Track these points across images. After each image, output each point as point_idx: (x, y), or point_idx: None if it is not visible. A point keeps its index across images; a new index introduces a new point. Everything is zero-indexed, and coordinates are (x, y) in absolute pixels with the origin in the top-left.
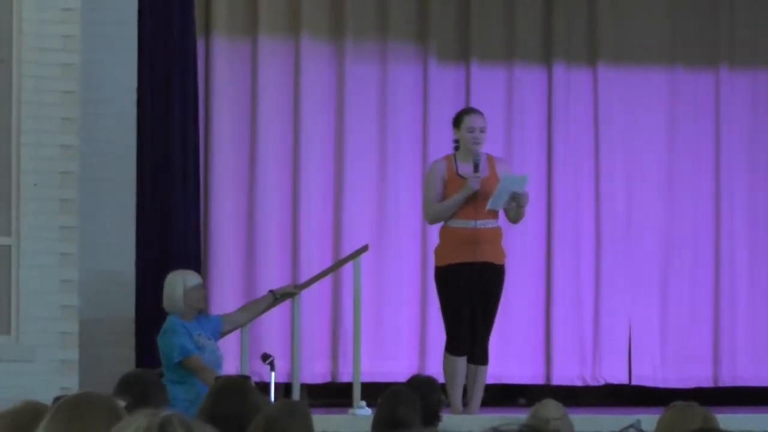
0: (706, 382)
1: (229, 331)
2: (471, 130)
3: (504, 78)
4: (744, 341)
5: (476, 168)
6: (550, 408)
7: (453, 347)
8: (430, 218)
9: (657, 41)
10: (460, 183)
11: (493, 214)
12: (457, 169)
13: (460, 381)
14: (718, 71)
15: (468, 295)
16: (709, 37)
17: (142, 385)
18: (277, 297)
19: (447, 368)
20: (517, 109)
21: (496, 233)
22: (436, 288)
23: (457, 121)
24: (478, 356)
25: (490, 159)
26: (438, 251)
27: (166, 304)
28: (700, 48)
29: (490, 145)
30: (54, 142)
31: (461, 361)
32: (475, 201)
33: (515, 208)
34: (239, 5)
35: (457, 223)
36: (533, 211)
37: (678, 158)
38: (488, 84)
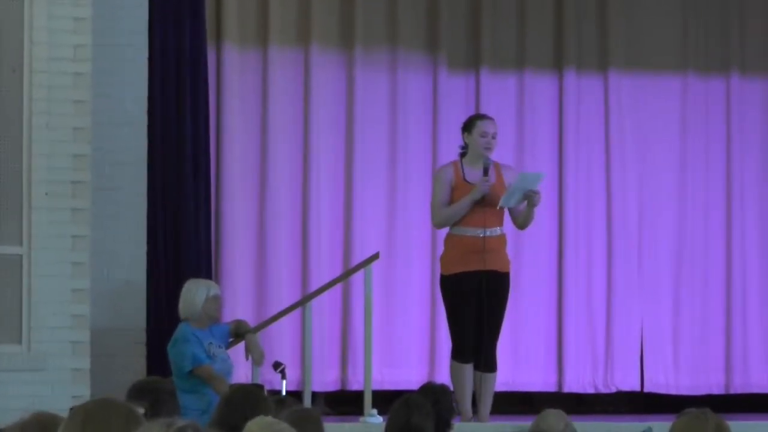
0: (718, 389)
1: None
2: (484, 135)
3: (514, 86)
4: (756, 348)
5: (486, 172)
6: (551, 419)
7: (458, 354)
8: (438, 222)
9: (668, 47)
10: (466, 189)
11: (500, 221)
12: (464, 174)
13: (468, 388)
14: (729, 77)
15: (474, 303)
16: (721, 43)
17: (155, 393)
18: (238, 333)
19: (454, 375)
20: (528, 117)
21: (501, 241)
22: (442, 296)
23: (469, 126)
24: (486, 364)
25: (497, 166)
26: (444, 259)
27: (184, 309)
28: (712, 54)
29: (502, 153)
30: (66, 151)
31: (468, 368)
32: (483, 209)
33: (526, 209)
34: (250, 15)
35: (465, 231)
36: (545, 217)
37: (689, 164)
38: (499, 92)
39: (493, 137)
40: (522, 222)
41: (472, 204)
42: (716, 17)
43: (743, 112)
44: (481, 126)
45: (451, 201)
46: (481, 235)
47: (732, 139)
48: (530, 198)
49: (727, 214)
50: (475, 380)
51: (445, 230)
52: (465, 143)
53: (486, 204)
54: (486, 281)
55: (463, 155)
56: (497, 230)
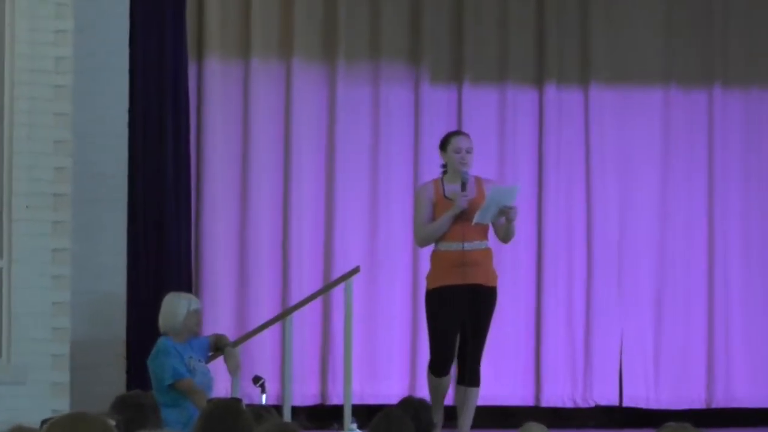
0: (699, 403)
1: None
2: (458, 151)
3: (496, 99)
4: (738, 362)
5: (463, 187)
6: (533, 431)
7: (434, 368)
8: (420, 240)
9: (650, 61)
10: (447, 205)
11: (482, 234)
12: (444, 191)
13: (442, 398)
14: (712, 90)
15: (456, 317)
16: (703, 56)
17: (138, 407)
18: (218, 347)
19: (429, 385)
20: (509, 130)
21: (486, 254)
22: (425, 310)
23: (444, 144)
24: (468, 378)
25: (479, 181)
26: (429, 276)
27: (164, 323)
28: (694, 67)
29: (483, 166)
30: (47, 164)
31: (441, 381)
32: (462, 222)
33: (504, 224)
34: (231, 27)
35: (446, 246)
36: (524, 230)
37: (671, 178)
38: (480, 105)
39: (468, 152)
40: (503, 236)
41: (453, 219)
42: (698, 30)
43: (726, 126)
44: (454, 142)
45: (433, 218)
46: (460, 249)
47: (714, 153)
48: (506, 213)
49: (709, 227)
50: (457, 394)
51: (430, 248)
52: (444, 162)
53: (466, 219)
54: (469, 295)
55: (444, 173)
56: (480, 244)
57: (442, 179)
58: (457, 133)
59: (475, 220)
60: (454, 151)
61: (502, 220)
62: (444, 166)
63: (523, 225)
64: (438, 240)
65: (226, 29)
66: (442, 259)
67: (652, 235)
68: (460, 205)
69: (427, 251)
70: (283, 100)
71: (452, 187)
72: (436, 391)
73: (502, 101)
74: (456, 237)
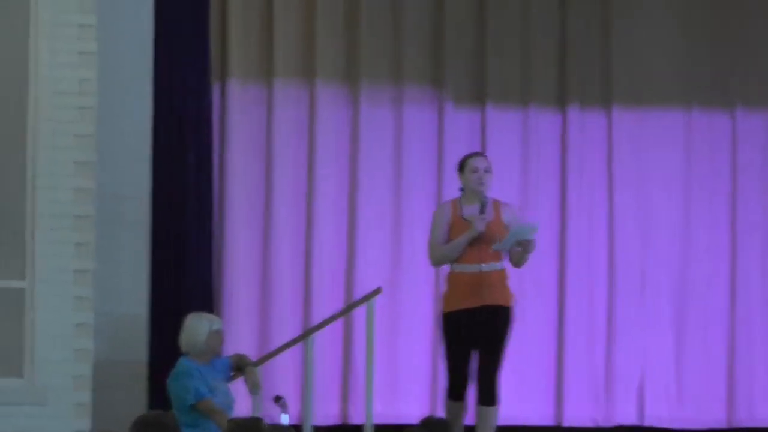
0: (721, 422)
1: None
2: (475, 170)
3: (519, 121)
4: (760, 381)
5: (482, 209)
6: None
7: (449, 392)
8: (435, 260)
9: (671, 83)
10: (464, 226)
11: (498, 256)
12: (461, 212)
13: (460, 422)
14: (734, 112)
15: (472, 340)
16: (724, 78)
17: (159, 427)
18: (239, 367)
19: (446, 412)
20: (532, 152)
21: (502, 275)
22: (442, 333)
23: (461, 166)
24: (484, 397)
25: (496, 204)
26: (445, 297)
27: (186, 344)
28: (715, 89)
29: (506, 188)
30: (69, 185)
31: (459, 406)
32: (479, 244)
33: (520, 252)
34: (254, 50)
35: (463, 268)
36: (547, 252)
37: (693, 200)
38: (503, 127)
39: (486, 171)
40: (516, 261)
41: (469, 242)
42: (720, 51)
43: (747, 147)
44: (471, 163)
45: (449, 239)
46: (478, 270)
47: (737, 174)
48: (524, 245)
49: (731, 247)
50: (476, 414)
51: (446, 268)
52: (462, 186)
53: (483, 241)
54: (486, 316)
55: (463, 195)
56: (496, 265)
57: (460, 200)
58: (474, 154)
59: (494, 247)
60: (471, 171)
61: (518, 248)
62: (462, 189)
63: (545, 245)
64: (454, 261)
65: (249, 51)
66: (458, 281)
67: (674, 255)
68: (478, 228)
69: (445, 271)
70: (306, 122)
71: (470, 209)
72: (453, 416)
73: (525, 124)
74: (473, 259)
